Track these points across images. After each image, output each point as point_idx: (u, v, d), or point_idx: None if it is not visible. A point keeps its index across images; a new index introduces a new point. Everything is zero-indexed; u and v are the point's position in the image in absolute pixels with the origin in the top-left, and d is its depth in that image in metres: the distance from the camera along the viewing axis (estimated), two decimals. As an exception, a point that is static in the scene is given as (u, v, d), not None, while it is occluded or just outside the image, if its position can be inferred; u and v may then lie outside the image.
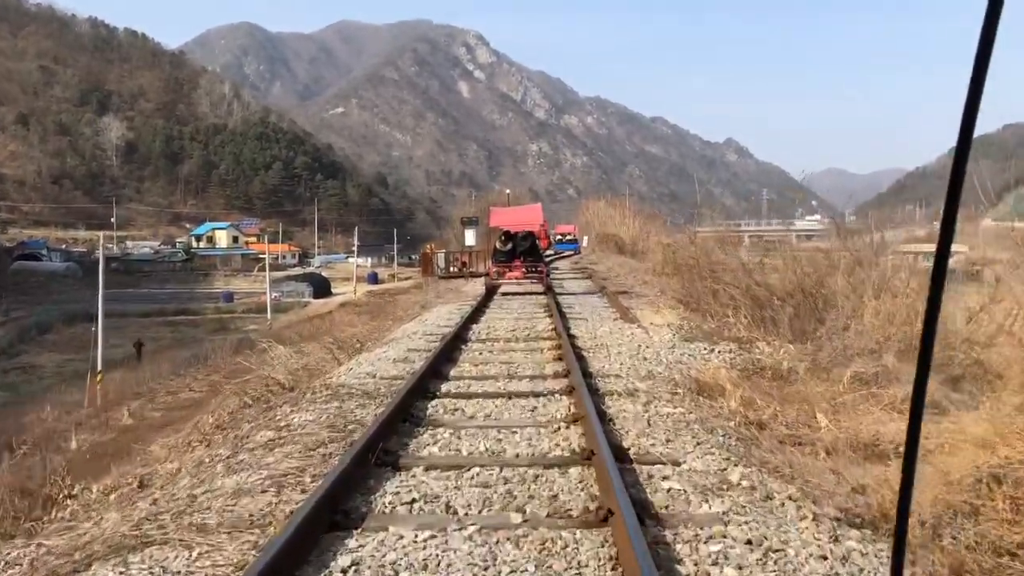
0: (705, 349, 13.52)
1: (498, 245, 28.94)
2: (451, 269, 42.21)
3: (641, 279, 32.74)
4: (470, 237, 44.87)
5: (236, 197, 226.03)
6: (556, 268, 43.88)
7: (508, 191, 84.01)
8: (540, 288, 27.01)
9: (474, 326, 17.58)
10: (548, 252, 55.31)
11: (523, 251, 28.36)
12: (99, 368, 42.80)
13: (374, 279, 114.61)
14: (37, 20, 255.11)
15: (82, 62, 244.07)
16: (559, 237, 77.91)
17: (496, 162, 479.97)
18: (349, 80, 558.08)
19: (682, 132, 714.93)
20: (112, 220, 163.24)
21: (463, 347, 14.52)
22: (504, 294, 25.94)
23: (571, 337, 14.66)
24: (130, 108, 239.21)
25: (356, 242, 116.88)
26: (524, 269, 27.97)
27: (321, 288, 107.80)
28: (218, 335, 62.55)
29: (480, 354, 13.73)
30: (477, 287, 31.08)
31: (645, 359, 12.57)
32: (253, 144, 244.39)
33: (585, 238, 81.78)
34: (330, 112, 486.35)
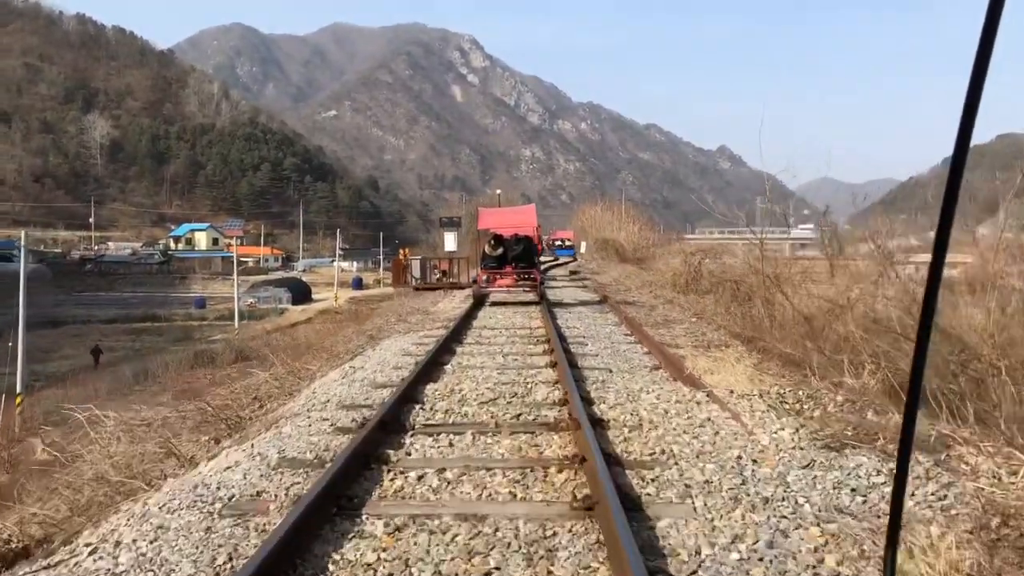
0: (872, 470, 6.56)
1: (487, 250, 26.20)
2: (429, 279, 36.52)
3: (659, 296, 27.38)
4: (450, 241, 37.28)
5: (223, 198, 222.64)
6: (553, 279, 38.48)
7: (499, 191, 78.78)
8: (533, 296, 24.83)
9: (429, 387, 10.63)
10: (547, 260, 50.83)
11: (515, 256, 25.87)
12: (19, 390, 37.06)
13: (358, 284, 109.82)
14: (23, 16, 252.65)
15: (68, 59, 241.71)
16: (558, 243, 74.90)
17: (489, 167, 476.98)
18: (342, 83, 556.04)
19: (675, 139, 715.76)
20: (90, 220, 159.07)
21: (395, 448, 7.61)
22: (486, 326, 18.83)
23: (598, 423, 8.34)
24: (116, 106, 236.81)
25: (339, 245, 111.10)
26: (516, 276, 25.61)
27: (300, 293, 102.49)
28: (181, 345, 58.24)
29: (419, 475, 6.69)
30: (455, 304, 25.51)
31: (777, 518, 5.53)
32: (241, 145, 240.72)
33: (583, 244, 77.52)
34: (323, 115, 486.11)
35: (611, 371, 12.11)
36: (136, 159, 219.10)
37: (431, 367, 12.13)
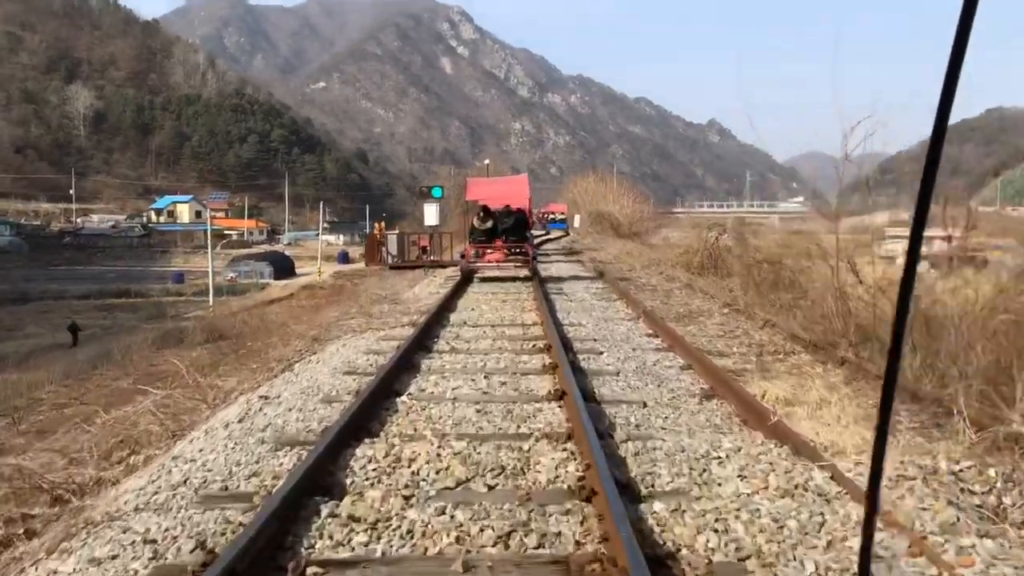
0: None
1: (476, 223, 24.91)
2: (407, 256, 32.41)
3: (672, 278, 23.44)
4: (431, 214, 32.53)
5: (209, 170, 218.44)
6: (547, 256, 34.70)
7: (488, 162, 74.92)
8: (525, 273, 23.27)
9: (362, 451, 6.57)
10: (539, 234, 47.96)
11: (505, 229, 24.42)
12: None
13: (344, 258, 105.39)
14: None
15: (50, 28, 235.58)
16: (552, 216, 73.62)
17: (478, 140, 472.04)
18: (331, 54, 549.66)
19: (665, 113, 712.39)
20: (71, 192, 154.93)
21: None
22: (467, 322, 14.62)
23: (663, 565, 4.40)
24: (100, 76, 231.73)
25: (322, 218, 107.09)
26: (506, 251, 24.22)
27: (283, 268, 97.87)
28: (154, 323, 54.75)
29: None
30: (434, 288, 21.69)
31: None
32: (228, 116, 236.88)
33: (577, 218, 74.16)
34: (312, 87, 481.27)
35: (646, 405, 8.24)
36: (120, 130, 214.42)
37: (377, 400, 8.20)
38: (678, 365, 10.62)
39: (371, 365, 10.44)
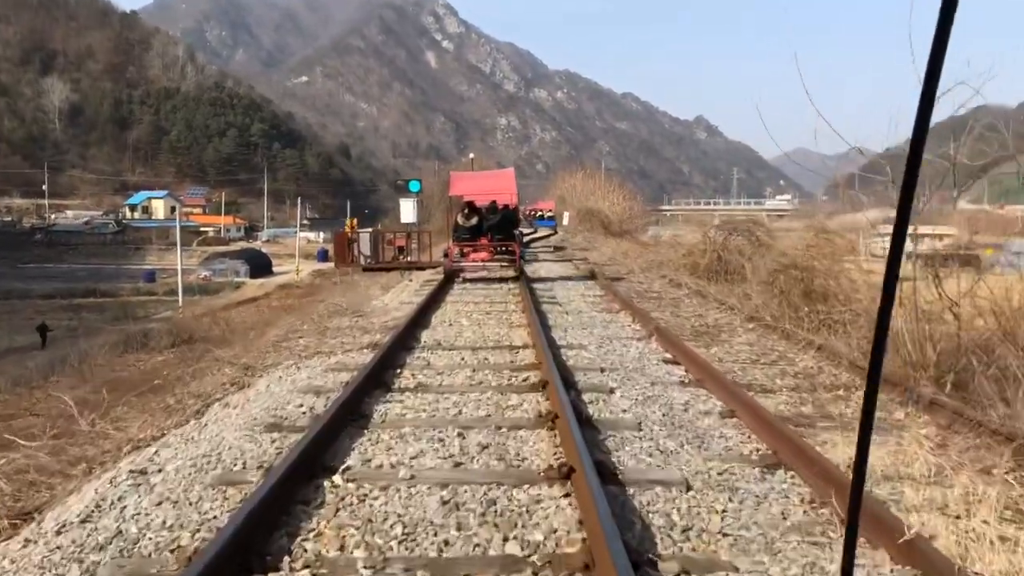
0: None
1: (460, 220, 23.86)
2: (381, 257, 29.63)
3: (676, 283, 20.90)
4: (408, 210, 29.73)
5: (188, 165, 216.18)
6: (536, 258, 32.15)
7: (472, 155, 72.40)
8: (512, 273, 22.52)
9: None
10: (527, 232, 47.80)
11: (491, 227, 23.43)
12: None
13: (324, 256, 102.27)
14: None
15: (24, 19, 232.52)
16: (540, 214, 70.61)
17: (464, 135, 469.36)
18: (314, 48, 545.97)
19: (652, 109, 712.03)
20: (44, 188, 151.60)
21: None
22: (441, 344, 11.87)
23: None
24: (76, 69, 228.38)
25: (300, 213, 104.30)
26: (492, 249, 23.20)
27: (260, 266, 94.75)
28: (122, 324, 52.08)
29: None
30: (407, 295, 19.02)
31: None
32: (207, 110, 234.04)
33: (566, 215, 71.87)
34: (294, 81, 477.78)
35: (689, 488, 5.62)
36: (97, 124, 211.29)
37: (297, 486, 5.55)
38: (716, 410, 7.98)
39: (305, 413, 7.84)
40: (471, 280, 22.71)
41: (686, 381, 9.38)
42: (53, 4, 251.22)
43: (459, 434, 7.00)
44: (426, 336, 12.60)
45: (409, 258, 28.84)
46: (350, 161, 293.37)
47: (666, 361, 10.60)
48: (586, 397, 8.38)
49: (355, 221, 34.76)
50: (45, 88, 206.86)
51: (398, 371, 9.74)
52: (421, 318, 14.19)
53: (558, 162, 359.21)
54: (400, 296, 18.91)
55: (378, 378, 9.01)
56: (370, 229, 31.87)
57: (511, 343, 11.88)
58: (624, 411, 7.83)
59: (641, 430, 7.12)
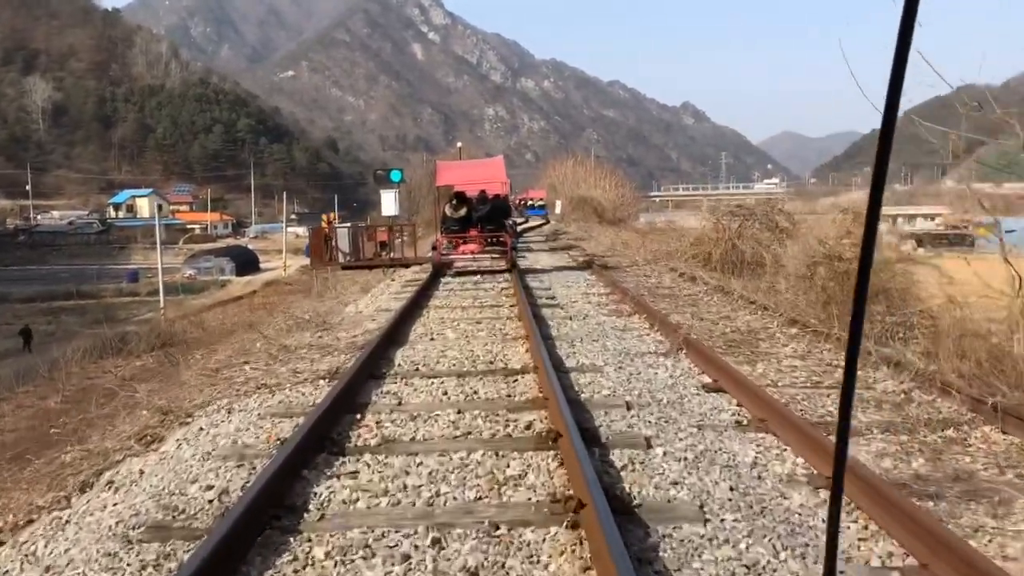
0: None
1: (448, 211, 23.36)
2: (362, 254, 27.16)
3: (689, 276, 18.69)
4: (389, 203, 27.23)
5: (174, 162, 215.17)
6: (529, 249, 29.93)
7: (460, 144, 70.07)
8: (503, 265, 21.49)
9: None
10: (519, 221, 46.48)
11: (481, 217, 22.99)
12: None
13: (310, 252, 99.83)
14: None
15: (5, 18, 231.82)
16: (530, 202, 68.80)
17: (452, 126, 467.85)
18: (299, 42, 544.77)
19: (639, 96, 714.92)
20: (27, 188, 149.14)
21: None
22: (421, 367, 9.59)
23: None
24: (59, 68, 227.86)
25: (286, 208, 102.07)
26: (482, 241, 22.73)
27: (246, 263, 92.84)
28: (102, 327, 49.51)
29: None
30: (385, 299, 16.84)
31: None
32: (192, 106, 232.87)
33: (557, 203, 70.02)
34: (280, 76, 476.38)
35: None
36: (81, 123, 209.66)
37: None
38: (801, 475, 5.63)
39: (211, 502, 5.39)
40: (460, 275, 20.94)
41: (744, 422, 7.08)
42: (34, 3, 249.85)
43: (434, 542, 4.54)
44: (401, 357, 10.21)
45: (393, 254, 26.47)
46: (338, 155, 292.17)
47: (707, 388, 8.25)
48: (615, 457, 5.98)
49: (333, 215, 32.36)
50: (28, 88, 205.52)
51: (358, 416, 7.37)
52: (397, 331, 11.87)
53: (547, 151, 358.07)
54: (377, 301, 16.42)
55: (326, 431, 6.69)
56: (348, 224, 29.31)
57: (507, 364, 9.54)
58: (675, 484, 5.40)
59: (708, 523, 4.80)
